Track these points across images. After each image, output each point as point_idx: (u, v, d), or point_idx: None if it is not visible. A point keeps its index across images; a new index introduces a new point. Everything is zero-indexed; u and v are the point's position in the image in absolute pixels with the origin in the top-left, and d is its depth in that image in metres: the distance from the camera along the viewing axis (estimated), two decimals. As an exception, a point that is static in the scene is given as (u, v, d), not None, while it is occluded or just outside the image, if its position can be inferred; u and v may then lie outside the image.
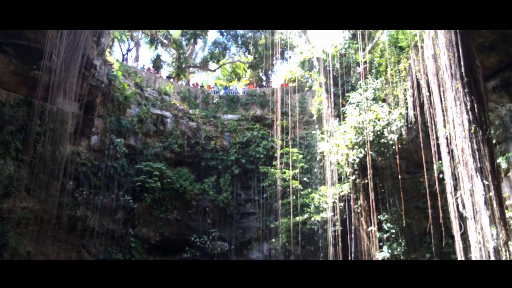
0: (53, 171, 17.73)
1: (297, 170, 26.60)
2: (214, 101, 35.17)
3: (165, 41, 42.05)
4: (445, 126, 14.00)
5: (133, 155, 26.48)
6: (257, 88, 38.70)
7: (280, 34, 35.85)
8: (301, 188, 26.07)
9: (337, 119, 24.24)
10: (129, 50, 44.29)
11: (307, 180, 27.55)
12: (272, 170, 27.55)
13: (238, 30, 43.83)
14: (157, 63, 40.61)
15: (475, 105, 12.45)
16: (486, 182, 11.92)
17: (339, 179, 23.02)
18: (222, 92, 36.92)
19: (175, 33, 43.67)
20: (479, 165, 12.11)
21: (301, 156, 28.23)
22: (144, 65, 38.88)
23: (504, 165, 16.51)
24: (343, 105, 23.90)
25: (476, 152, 12.33)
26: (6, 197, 17.72)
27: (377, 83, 21.98)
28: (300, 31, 33.54)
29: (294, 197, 24.98)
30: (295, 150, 27.87)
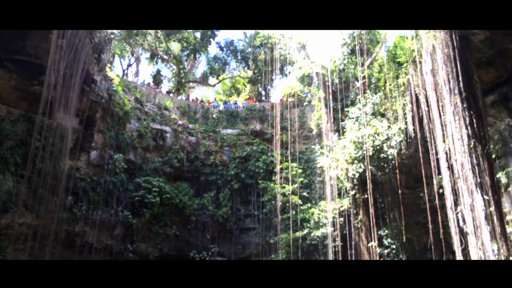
0: (52, 186, 17.66)
1: (296, 185, 26.53)
2: (214, 116, 35.26)
3: (165, 56, 42.34)
4: (444, 141, 14.01)
5: (132, 170, 26.42)
6: (257, 103, 38.85)
7: (280, 50, 36.11)
8: (301, 203, 25.96)
9: (337, 133, 24.27)
10: (129, 65, 44.61)
11: (307, 195, 27.45)
12: (272, 185, 27.48)
13: (237, 45, 44.18)
14: (157, 78, 40.82)
15: (474, 120, 12.50)
16: (486, 197, 11.90)
17: (339, 194, 22.95)
18: (221, 107, 37.06)
19: (175, 49, 43.99)
20: (479, 180, 12.10)
21: (300, 170, 28.19)
22: (144, 80, 39.07)
23: (504, 180, 16.49)
24: (343, 120, 23.96)
25: (476, 167, 12.34)
26: (5, 213, 17.63)
27: (376, 98, 22.08)
28: (299, 46, 33.79)
29: (293, 212, 24.86)
30: (295, 164, 27.84)
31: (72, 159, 21.03)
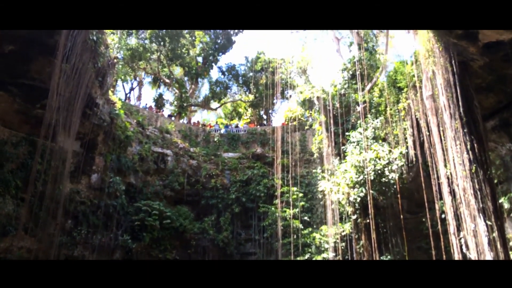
0: (52, 210, 17.57)
1: (297, 209, 26.37)
2: (215, 139, 35.37)
3: (167, 80, 42.76)
4: (446, 166, 14.00)
5: (132, 194, 26.31)
6: (258, 126, 39.01)
7: (281, 74, 36.49)
8: (302, 227, 25.75)
9: (338, 157, 24.28)
10: (132, 89, 45.03)
11: (308, 220, 27.24)
12: (273, 209, 27.31)
13: (239, 70, 44.65)
14: (159, 102, 41.12)
15: (475, 145, 12.52)
16: (489, 223, 11.81)
17: (341, 219, 22.78)
18: (223, 131, 37.20)
19: (178, 73, 44.48)
20: (481, 205, 12.03)
21: (301, 194, 28.06)
22: (146, 104, 39.37)
23: (506, 205, 16.39)
24: (344, 144, 24.01)
25: (478, 192, 12.28)
26: (4, 236, 17.47)
27: (377, 122, 22.17)
28: (300, 70, 34.14)
29: (295, 237, 24.64)
30: (296, 188, 27.73)
31: (73, 182, 20.98)
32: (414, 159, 18.95)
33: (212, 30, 43.91)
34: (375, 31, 30.58)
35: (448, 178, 13.67)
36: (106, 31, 21.15)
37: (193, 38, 41.32)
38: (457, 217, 12.96)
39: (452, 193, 13.37)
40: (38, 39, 14.66)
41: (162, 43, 38.79)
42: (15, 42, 14.56)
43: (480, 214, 11.87)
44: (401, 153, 19.57)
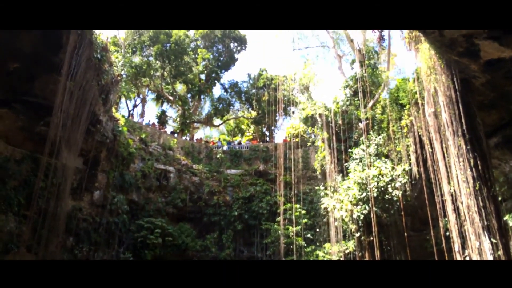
0: (54, 227, 17.50)
1: (300, 226, 26.19)
2: (218, 156, 35.38)
3: (170, 97, 43.00)
4: (449, 183, 13.93)
5: (135, 211, 26.24)
6: (260, 143, 39.04)
7: (283, 91, 36.69)
8: (305, 245, 25.54)
9: (341, 174, 24.21)
10: (135, 106, 45.29)
11: (311, 237, 27.04)
12: (275, 226, 27.14)
13: (241, 87, 44.92)
14: (162, 119, 41.31)
15: (479, 162, 12.46)
16: (494, 240, 11.69)
17: (344, 236, 22.61)
18: (225, 147, 37.23)
19: (181, 90, 44.76)
20: (486, 223, 11.92)
21: (304, 212, 27.91)
22: (149, 121, 39.55)
23: (511, 223, 16.24)
24: (346, 161, 23.96)
25: (482, 210, 12.18)
26: (6, 254, 17.36)
27: (380, 139, 22.16)
28: (302, 87, 34.33)
29: (298, 254, 24.41)
30: (298, 206, 27.59)
31: (75, 199, 20.94)
32: (417, 176, 18.86)
33: (215, 48, 44.36)
34: (376, 48, 30.81)
35: (452, 195, 13.58)
36: (110, 48, 21.38)
37: (196, 55, 41.71)
38: (462, 235, 12.83)
39: (456, 210, 13.27)
40: (43, 57, 14.82)
41: (165, 60, 39.15)
42: (20, 60, 14.71)
43: (485, 232, 11.75)
44: (404, 170, 19.50)
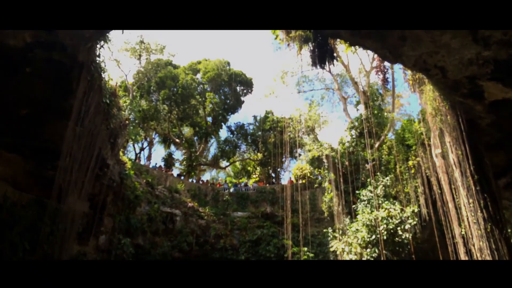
0: (59, 273, 17.23)
1: (309, 271, 25.53)
2: (224, 198, 35.16)
3: (177, 140, 43.35)
4: (460, 225, 13.68)
5: (140, 255, 25.83)
6: (267, 185, 38.86)
7: (289, 133, 36.89)
8: (314, 290, 24.79)
9: (349, 216, 23.89)
10: (142, 149, 45.61)
11: (320, 281, 26.26)
12: (284, 270, 26.47)
13: (248, 129, 45.29)
14: (168, 161, 41.46)
15: (489, 203, 12.27)
16: (509, 285, 11.32)
17: (354, 280, 21.97)
18: (232, 189, 37.07)
19: (187, 132, 45.19)
20: (500, 266, 11.59)
21: (312, 255, 27.33)
22: (156, 163, 39.74)
23: (526, 266, 15.76)
24: (354, 203, 23.70)
25: (495, 252, 11.89)
26: (8, 301, 17.04)
27: (387, 180, 22.01)
28: (307, 129, 34.53)
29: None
30: (306, 249, 27.07)
31: (81, 244, 20.71)
32: (427, 217, 18.58)
33: (222, 91, 45.11)
34: (381, 90, 31.16)
35: (463, 237, 13.31)
36: (119, 93, 21.81)
37: (204, 98, 42.38)
38: (476, 279, 12.45)
39: (469, 253, 12.96)
40: (53, 103, 15.10)
41: (173, 104, 39.79)
42: (30, 106, 14.98)
43: (500, 276, 11.41)
44: (413, 211, 19.23)
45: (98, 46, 15.00)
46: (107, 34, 15.09)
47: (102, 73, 16.53)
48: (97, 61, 15.52)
